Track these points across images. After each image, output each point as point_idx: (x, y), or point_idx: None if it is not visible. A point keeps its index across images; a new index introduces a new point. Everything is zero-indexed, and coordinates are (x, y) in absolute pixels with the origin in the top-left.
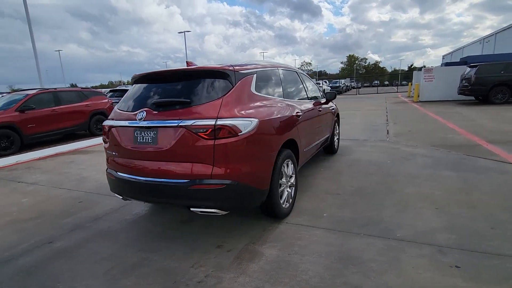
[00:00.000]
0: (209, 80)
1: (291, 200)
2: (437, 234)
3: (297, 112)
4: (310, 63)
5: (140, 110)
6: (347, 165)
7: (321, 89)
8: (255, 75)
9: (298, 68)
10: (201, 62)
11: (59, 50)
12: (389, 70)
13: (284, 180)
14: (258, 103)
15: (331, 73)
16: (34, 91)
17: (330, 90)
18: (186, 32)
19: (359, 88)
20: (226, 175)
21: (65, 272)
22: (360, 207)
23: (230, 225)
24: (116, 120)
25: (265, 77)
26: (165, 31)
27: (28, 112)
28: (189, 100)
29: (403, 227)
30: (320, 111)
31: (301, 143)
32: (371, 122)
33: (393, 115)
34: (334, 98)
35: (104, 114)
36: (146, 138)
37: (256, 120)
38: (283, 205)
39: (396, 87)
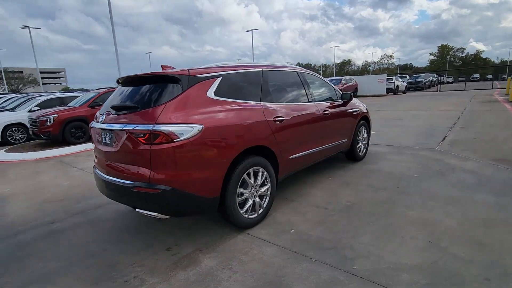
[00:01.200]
0: (161, 85)
1: (261, 210)
2: (404, 273)
3: (275, 117)
4: (391, 56)
5: (103, 113)
6: (362, 175)
7: (337, 90)
8: (219, 78)
9: (371, 62)
10: (276, 59)
11: (149, 53)
12: (496, 61)
13: (248, 190)
14: (213, 108)
15: (419, 66)
16: (103, 90)
17: (406, 86)
18: (253, 30)
19: (442, 84)
20: (162, 180)
21: (42, 251)
22: (337, 227)
23: (196, 227)
24: (94, 121)
25: (235, 81)
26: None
27: (97, 108)
28: (136, 105)
29: (368, 259)
30: (327, 114)
31: (282, 151)
32: (432, 125)
33: (467, 117)
34: (349, 99)
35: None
36: (106, 139)
37: (200, 126)
38: (245, 215)
39: (497, 82)
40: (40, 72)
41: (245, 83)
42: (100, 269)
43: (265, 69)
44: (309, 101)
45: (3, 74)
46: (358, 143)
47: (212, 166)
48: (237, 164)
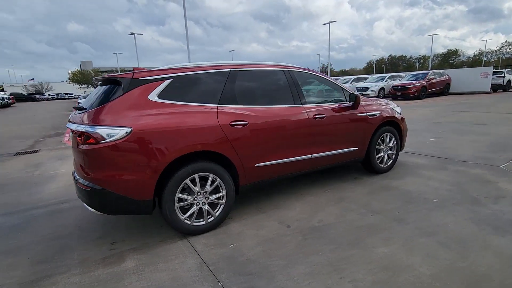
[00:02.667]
0: (109, 87)
1: (212, 218)
2: None
3: (234, 121)
4: None
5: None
6: (368, 192)
7: (346, 91)
8: (168, 80)
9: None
10: (367, 51)
11: (231, 51)
12: None
13: (192, 196)
14: (151, 111)
15: None
16: None
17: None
18: (331, 22)
19: None
20: (93, 179)
21: (33, 227)
22: (280, 250)
23: (152, 226)
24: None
25: (189, 82)
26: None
27: None
28: (85, 107)
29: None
30: (321, 117)
31: (243, 158)
32: None
33: None
34: (355, 101)
35: None
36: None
37: (128, 129)
38: (188, 221)
39: None
40: None
41: (201, 85)
42: (52, 251)
43: (235, 69)
44: (294, 104)
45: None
46: (378, 153)
47: (142, 170)
48: (176, 169)
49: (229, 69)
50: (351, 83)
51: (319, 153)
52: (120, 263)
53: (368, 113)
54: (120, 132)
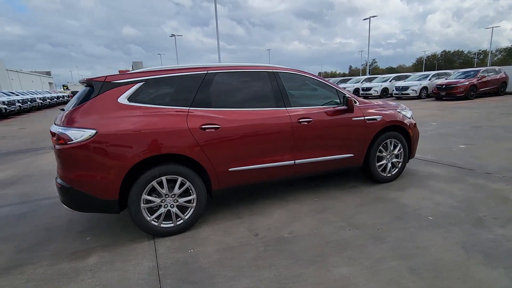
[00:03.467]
0: (86, 90)
1: (181, 221)
2: None
3: (204, 124)
4: None
5: None
6: (358, 204)
7: (341, 93)
8: (139, 83)
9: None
10: (418, 47)
11: (269, 50)
12: None
13: (159, 199)
14: (119, 114)
15: None
16: None
17: None
18: (372, 17)
19: None
20: (62, 177)
21: (38, 216)
22: (234, 261)
23: (132, 225)
24: None
25: (161, 85)
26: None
27: None
28: (64, 108)
29: None
30: (308, 121)
31: (215, 162)
32: None
33: None
34: (347, 104)
35: None
36: None
37: (93, 131)
38: (155, 222)
39: None
40: None
41: (173, 88)
42: (36, 241)
43: (212, 71)
44: (277, 107)
45: None
46: (380, 160)
47: (107, 171)
48: (142, 171)
49: (206, 72)
50: (390, 81)
51: (304, 159)
52: (85, 259)
53: (366, 117)
54: (85, 134)
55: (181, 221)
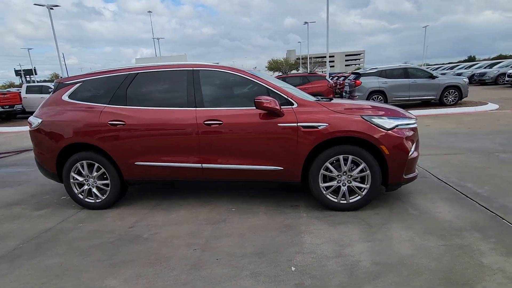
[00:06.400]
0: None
1: (99, 200)
2: None
3: (111, 120)
4: None
5: None
6: (256, 227)
7: (279, 94)
8: (78, 84)
9: None
10: None
11: (425, 26)
12: None
13: (82, 178)
14: (59, 108)
15: None
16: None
17: None
18: None
19: None
20: (34, 152)
21: (33, 183)
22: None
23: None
24: None
25: (93, 85)
26: None
27: None
28: None
29: None
30: (217, 124)
31: (121, 154)
32: None
33: None
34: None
35: (321, 95)
36: None
37: (40, 120)
38: (81, 196)
39: None
40: (346, 55)
41: (100, 87)
42: (14, 199)
43: (134, 71)
44: (187, 107)
45: (307, 59)
46: (331, 181)
47: (47, 150)
48: (70, 153)
49: (128, 72)
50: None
51: (213, 164)
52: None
53: (302, 124)
54: (36, 122)
55: (100, 200)
